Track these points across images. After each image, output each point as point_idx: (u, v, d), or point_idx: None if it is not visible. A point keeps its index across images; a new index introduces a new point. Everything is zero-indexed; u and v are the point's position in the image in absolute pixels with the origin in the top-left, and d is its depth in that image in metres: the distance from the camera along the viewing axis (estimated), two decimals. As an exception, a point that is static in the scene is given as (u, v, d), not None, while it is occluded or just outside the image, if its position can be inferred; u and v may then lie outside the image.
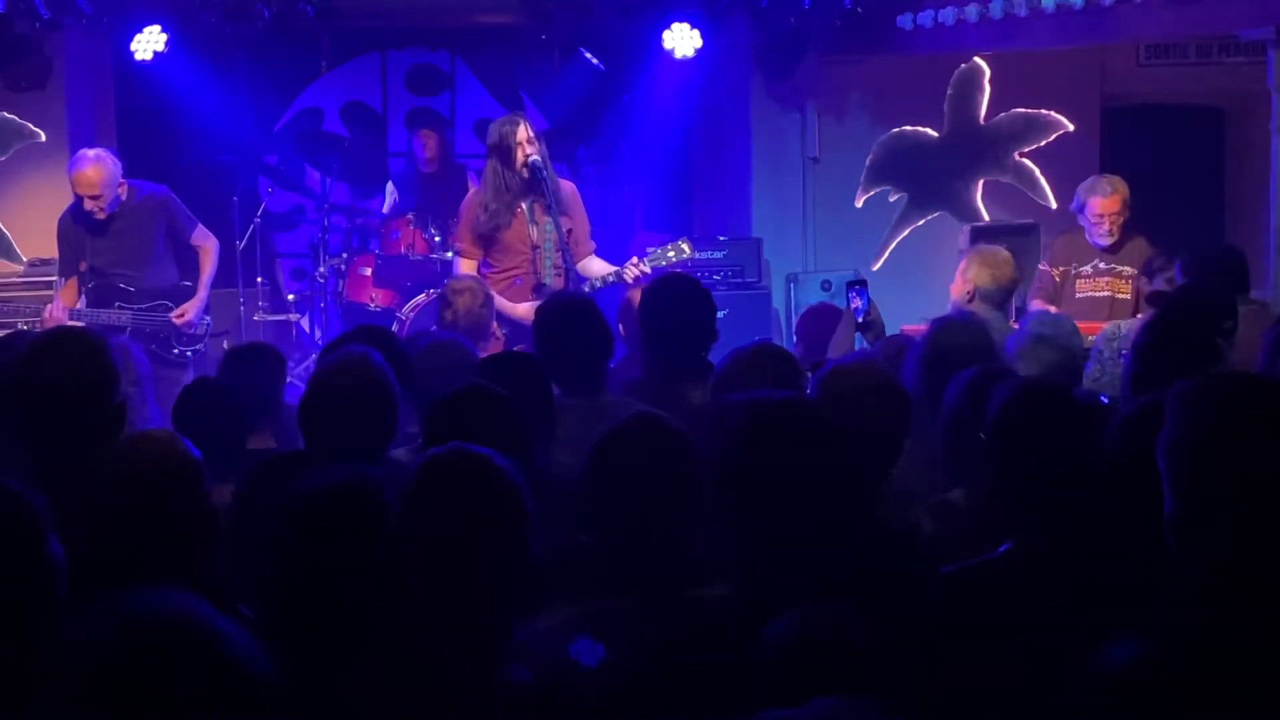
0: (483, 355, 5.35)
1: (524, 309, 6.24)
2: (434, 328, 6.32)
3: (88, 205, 6.80)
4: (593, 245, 6.72)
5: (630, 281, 6.44)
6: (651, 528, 2.66)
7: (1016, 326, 5.60)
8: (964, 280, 5.80)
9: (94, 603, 1.89)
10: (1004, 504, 2.84)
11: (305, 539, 2.41)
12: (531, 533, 2.36)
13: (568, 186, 6.65)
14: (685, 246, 6.54)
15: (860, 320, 5.48)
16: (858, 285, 5.49)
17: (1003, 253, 6.03)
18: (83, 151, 6.94)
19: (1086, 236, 7.15)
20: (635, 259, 6.45)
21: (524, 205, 6.44)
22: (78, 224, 6.94)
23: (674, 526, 2.67)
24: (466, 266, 6.45)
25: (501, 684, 2.29)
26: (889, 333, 5.94)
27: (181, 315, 6.98)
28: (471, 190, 6.62)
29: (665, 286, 4.70)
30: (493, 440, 2.99)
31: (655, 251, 6.53)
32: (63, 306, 6.91)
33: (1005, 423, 2.87)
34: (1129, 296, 6.96)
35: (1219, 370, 3.91)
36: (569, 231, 6.45)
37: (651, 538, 2.65)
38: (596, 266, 6.57)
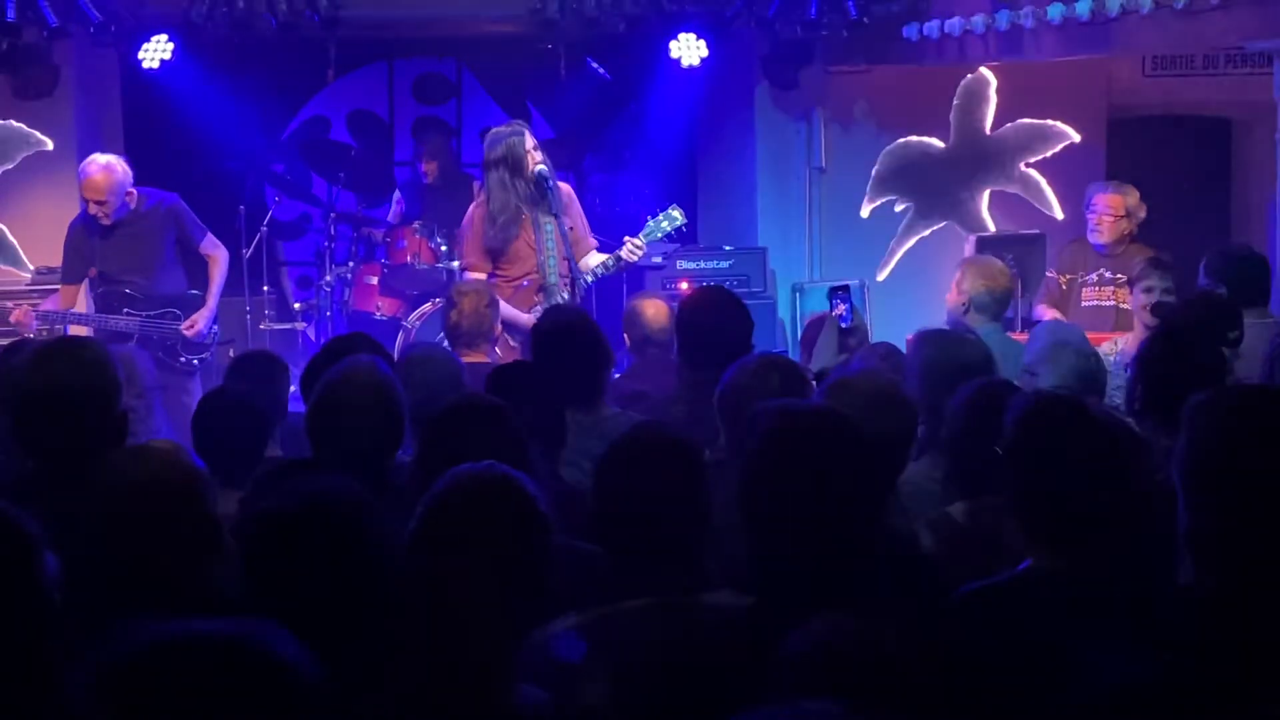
0: (488, 361, 5.37)
1: (529, 319, 6.24)
2: (442, 333, 6.34)
3: (92, 210, 6.83)
4: (593, 242, 6.74)
5: (629, 260, 6.44)
6: (658, 535, 2.65)
7: (1020, 339, 5.58)
8: (959, 292, 5.76)
9: (122, 626, 1.86)
10: (1022, 520, 2.82)
11: (277, 553, 2.39)
12: (548, 551, 2.34)
13: (564, 188, 6.66)
14: (676, 214, 6.54)
15: (844, 326, 5.45)
16: (841, 291, 5.45)
17: (998, 263, 5.98)
18: (94, 156, 6.96)
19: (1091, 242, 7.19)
20: (628, 238, 6.45)
21: (529, 212, 6.45)
22: (88, 230, 6.97)
23: (681, 534, 2.67)
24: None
25: (515, 705, 2.27)
26: (894, 342, 5.92)
27: (191, 327, 6.99)
28: (473, 205, 6.60)
29: (701, 298, 4.71)
30: (489, 451, 3.00)
31: (649, 225, 6.53)
32: (28, 310, 6.94)
33: (1021, 437, 2.82)
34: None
35: (1230, 383, 3.90)
36: (570, 230, 6.46)
37: (659, 545, 2.65)
38: (595, 261, 6.58)
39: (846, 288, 5.44)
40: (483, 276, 6.43)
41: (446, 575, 2.28)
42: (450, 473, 2.43)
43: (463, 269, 6.70)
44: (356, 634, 2.29)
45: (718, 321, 4.54)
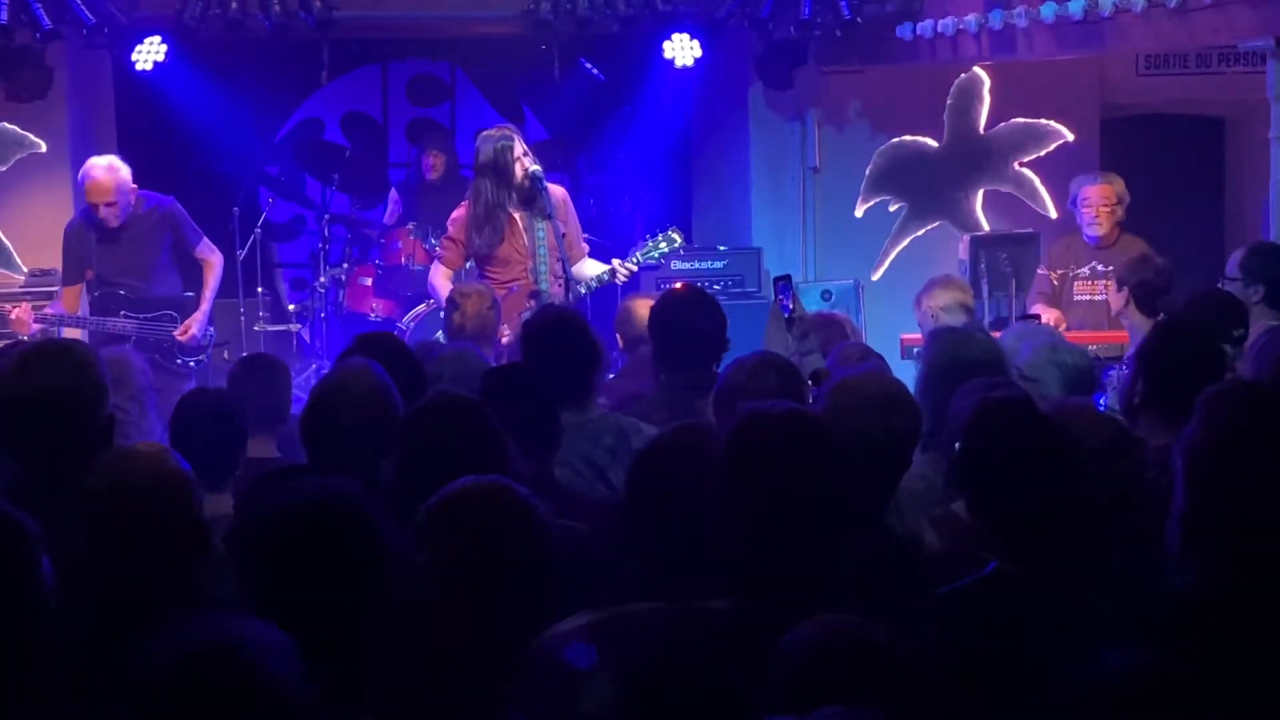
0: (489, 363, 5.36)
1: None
2: (439, 334, 6.33)
3: (101, 213, 6.82)
4: (586, 248, 6.73)
5: (622, 281, 6.44)
6: (691, 539, 2.63)
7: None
8: (926, 309, 5.95)
9: (143, 633, 1.86)
10: (979, 524, 2.81)
11: (284, 554, 2.37)
12: (551, 568, 2.30)
13: (558, 191, 6.65)
14: (675, 236, 6.52)
15: (787, 316, 5.44)
16: (782, 281, 5.43)
17: (955, 277, 6.17)
18: (92, 160, 6.95)
19: (1082, 236, 7.20)
20: (617, 262, 6.45)
21: (518, 216, 6.44)
22: (86, 232, 6.96)
23: (710, 538, 2.64)
24: (445, 274, 6.46)
25: None
26: (890, 341, 5.96)
27: (185, 331, 7.00)
28: (462, 206, 6.58)
29: (675, 300, 4.69)
30: (466, 448, 2.98)
31: (647, 244, 6.51)
32: (27, 308, 6.94)
33: (970, 442, 2.83)
34: (1127, 301, 6.97)
35: (1238, 379, 3.89)
36: (563, 235, 6.45)
37: (690, 549, 2.63)
38: (589, 268, 6.57)
39: (788, 277, 5.43)
40: (451, 272, 6.46)
41: (450, 597, 2.24)
42: (449, 488, 2.37)
43: (436, 258, 6.73)
44: (357, 639, 2.28)
45: (692, 322, 4.52)
